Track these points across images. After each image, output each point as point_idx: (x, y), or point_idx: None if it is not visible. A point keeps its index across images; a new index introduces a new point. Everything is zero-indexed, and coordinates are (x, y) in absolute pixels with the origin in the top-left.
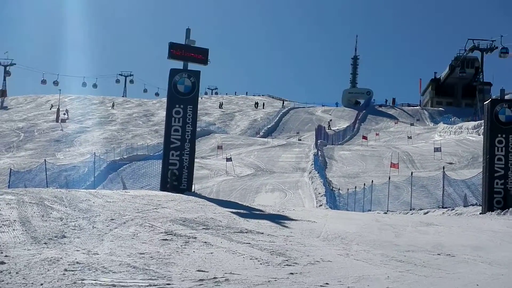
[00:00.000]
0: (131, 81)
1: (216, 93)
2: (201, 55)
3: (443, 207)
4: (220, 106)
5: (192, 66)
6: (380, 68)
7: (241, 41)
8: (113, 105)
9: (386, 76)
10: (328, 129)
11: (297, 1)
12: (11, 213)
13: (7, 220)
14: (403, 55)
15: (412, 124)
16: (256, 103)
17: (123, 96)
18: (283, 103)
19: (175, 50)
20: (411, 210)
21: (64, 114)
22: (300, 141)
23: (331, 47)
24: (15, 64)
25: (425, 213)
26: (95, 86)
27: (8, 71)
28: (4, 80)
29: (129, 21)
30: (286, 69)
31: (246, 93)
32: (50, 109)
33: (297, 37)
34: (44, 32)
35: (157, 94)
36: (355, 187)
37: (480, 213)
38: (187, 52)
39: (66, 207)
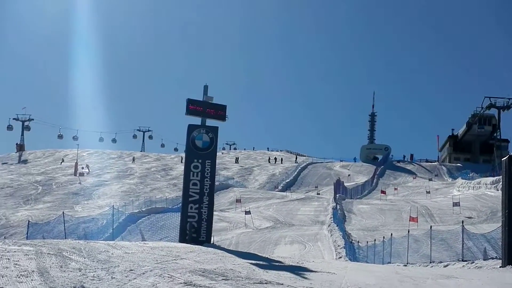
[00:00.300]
0: (150, 137)
1: (235, 148)
2: (219, 112)
3: (463, 260)
4: (236, 161)
5: (210, 122)
6: (397, 124)
7: (260, 97)
8: (133, 160)
9: (403, 132)
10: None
11: (316, 58)
12: (29, 264)
13: (26, 271)
14: (421, 112)
15: (430, 179)
16: (273, 158)
17: (141, 151)
18: (296, 158)
19: (193, 106)
20: (431, 262)
21: (83, 168)
22: (319, 195)
23: (349, 103)
24: (33, 119)
25: (445, 266)
26: (114, 140)
27: (28, 126)
28: (22, 134)
29: (148, 77)
30: (304, 125)
31: (268, 148)
32: (61, 163)
33: (316, 93)
34: (62, 86)
35: (176, 149)
36: (375, 240)
37: (500, 267)
38: (205, 109)
39: (84, 258)
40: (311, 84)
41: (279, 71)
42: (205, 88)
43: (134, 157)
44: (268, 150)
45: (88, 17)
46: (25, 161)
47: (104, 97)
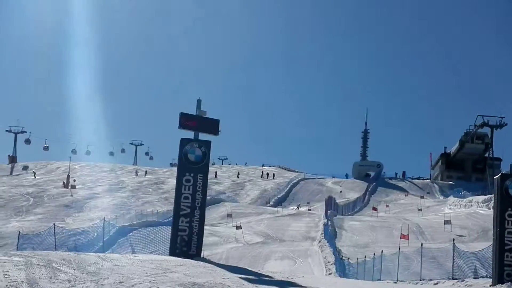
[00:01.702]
0: (147, 153)
1: (229, 164)
2: (212, 126)
3: (453, 278)
4: (238, 176)
5: (202, 136)
6: (390, 141)
7: (253, 112)
8: (136, 173)
9: (396, 149)
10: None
11: (309, 74)
12: (18, 275)
13: (15, 281)
14: (413, 130)
15: (422, 197)
16: (266, 173)
17: (133, 164)
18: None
19: (186, 121)
20: (421, 280)
21: (75, 181)
22: (310, 211)
23: (342, 120)
24: (25, 132)
25: (435, 284)
26: (112, 153)
27: (29, 139)
28: (15, 146)
29: (140, 91)
30: (297, 141)
31: (263, 165)
32: (35, 177)
33: (309, 109)
34: (54, 99)
35: (171, 164)
36: (365, 257)
37: (490, 285)
38: (198, 123)
39: (74, 269)
40: (304, 100)
41: (273, 87)
42: (198, 102)
43: (137, 170)
44: (263, 166)
45: (81, 29)
46: (26, 167)
47: (97, 110)
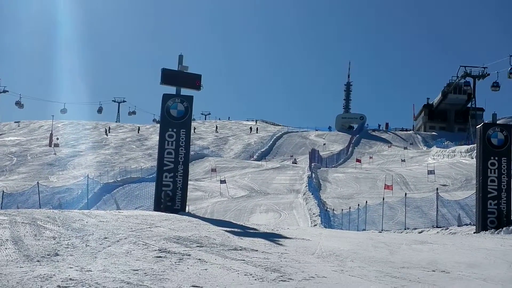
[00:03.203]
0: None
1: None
2: (194, 81)
3: (437, 227)
4: (216, 129)
5: (185, 91)
6: (373, 93)
7: (235, 67)
8: (106, 132)
9: (379, 101)
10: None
11: (290, 27)
12: (3, 233)
13: None
14: (396, 81)
15: (405, 148)
16: (251, 128)
17: (116, 122)
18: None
19: (168, 76)
20: (405, 229)
21: (57, 139)
22: (296, 164)
23: (324, 73)
24: (7, 91)
25: (419, 232)
26: (99, 111)
27: (22, 104)
28: None
29: (122, 46)
30: (280, 95)
31: (247, 119)
32: None
33: (291, 63)
34: (37, 57)
35: (155, 120)
36: (349, 208)
37: (474, 232)
38: (180, 78)
39: (59, 226)
40: (287, 53)
41: (255, 40)
42: (180, 57)
43: (106, 128)
44: (247, 120)
45: None
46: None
47: (80, 67)
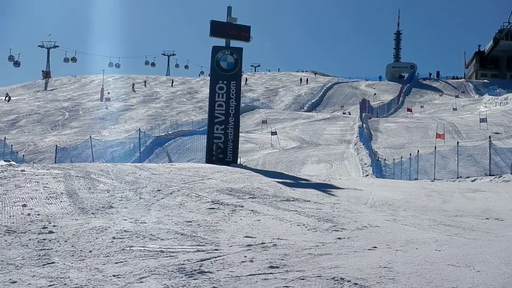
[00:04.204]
0: (177, 65)
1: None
2: (243, 32)
3: (490, 175)
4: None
5: (234, 43)
6: (423, 42)
7: (284, 19)
8: (133, 86)
9: (429, 50)
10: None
11: None
12: (58, 186)
13: (55, 193)
14: (446, 29)
15: (457, 96)
16: (301, 79)
17: (166, 75)
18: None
19: (217, 28)
20: (458, 178)
21: (109, 93)
22: (347, 114)
23: (374, 22)
24: (58, 46)
25: (472, 181)
26: (153, 64)
27: (75, 57)
28: (48, 61)
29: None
30: (329, 46)
31: (297, 70)
32: (6, 99)
33: (341, 12)
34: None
35: (202, 73)
36: (401, 157)
37: None
38: (229, 30)
39: (112, 179)
40: (336, 3)
41: None
42: (229, 9)
43: (133, 83)
44: (297, 72)
45: None
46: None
47: (123, 22)
